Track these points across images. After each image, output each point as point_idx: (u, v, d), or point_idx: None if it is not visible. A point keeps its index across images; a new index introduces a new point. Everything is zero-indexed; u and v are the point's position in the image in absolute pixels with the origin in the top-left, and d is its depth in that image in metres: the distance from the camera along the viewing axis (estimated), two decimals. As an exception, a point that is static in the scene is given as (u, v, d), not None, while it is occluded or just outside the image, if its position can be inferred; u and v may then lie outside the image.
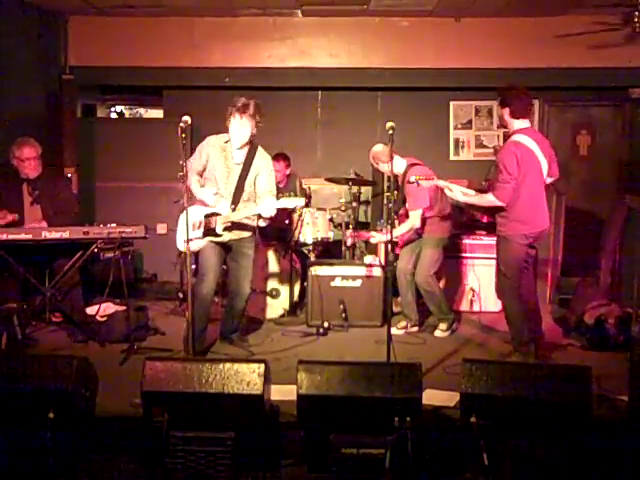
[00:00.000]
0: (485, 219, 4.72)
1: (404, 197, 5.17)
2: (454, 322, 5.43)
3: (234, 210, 4.50)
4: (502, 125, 4.76)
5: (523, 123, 4.46)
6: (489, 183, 4.69)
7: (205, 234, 4.54)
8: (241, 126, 4.44)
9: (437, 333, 5.37)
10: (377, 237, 5.42)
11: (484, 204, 4.53)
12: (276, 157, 6.04)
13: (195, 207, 4.56)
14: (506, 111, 4.46)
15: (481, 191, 4.65)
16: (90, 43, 7.04)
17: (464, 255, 6.07)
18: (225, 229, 4.51)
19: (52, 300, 5.04)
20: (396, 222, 5.18)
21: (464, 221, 6.24)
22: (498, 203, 4.38)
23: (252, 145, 4.58)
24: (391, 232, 4.19)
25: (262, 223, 4.71)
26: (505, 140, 5.20)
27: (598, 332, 4.93)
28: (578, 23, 6.70)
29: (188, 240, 4.10)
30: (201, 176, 4.63)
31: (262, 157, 4.61)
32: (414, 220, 5.13)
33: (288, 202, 4.31)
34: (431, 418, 3.60)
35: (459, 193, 4.46)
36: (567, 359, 4.65)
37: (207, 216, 4.55)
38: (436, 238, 5.24)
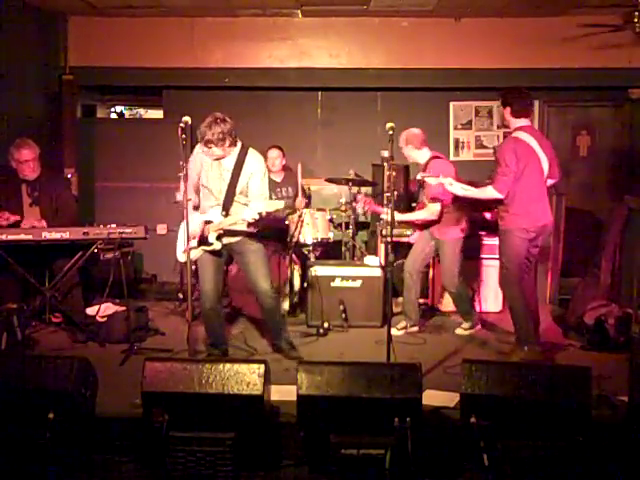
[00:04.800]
0: (489, 215, 4.75)
1: (422, 186, 5.17)
2: (475, 322, 5.40)
3: (226, 216, 4.37)
4: (504, 125, 4.98)
5: (523, 121, 4.62)
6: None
7: (199, 243, 4.43)
8: (209, 154, 4.31)
9: (458, 331, 5.37)
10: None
11: (484, 197, 4.63)
12: (270, 148, 6.13)
13: (195, 215, 4.44)
14: (507, 110, 4.63)
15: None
16: (90, 43, 7.05)
17: (465, 256, 6.04)
18: (218, 237, 4.39)
19: (52, 300, 5.05)
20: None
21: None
22: (497, 195, 4.50)
23: (242, 148, 4.39)
24: (391, 232, 4.18)
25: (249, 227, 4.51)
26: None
27: (598, 332, 4.93)
28: (578, 23, 6.70)
29: (189, 250, 4.14)
30: (198, 190, 4.50)
31: (254, 159, 4.40)
32: (432, 210, 5.09)
33: (267, 206, 4.18)
34: (431, 418, 3.60)
35: (459, 188, 4.59)
36: (567, 359, 4.66)
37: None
38: (452, 241, 5.19)
